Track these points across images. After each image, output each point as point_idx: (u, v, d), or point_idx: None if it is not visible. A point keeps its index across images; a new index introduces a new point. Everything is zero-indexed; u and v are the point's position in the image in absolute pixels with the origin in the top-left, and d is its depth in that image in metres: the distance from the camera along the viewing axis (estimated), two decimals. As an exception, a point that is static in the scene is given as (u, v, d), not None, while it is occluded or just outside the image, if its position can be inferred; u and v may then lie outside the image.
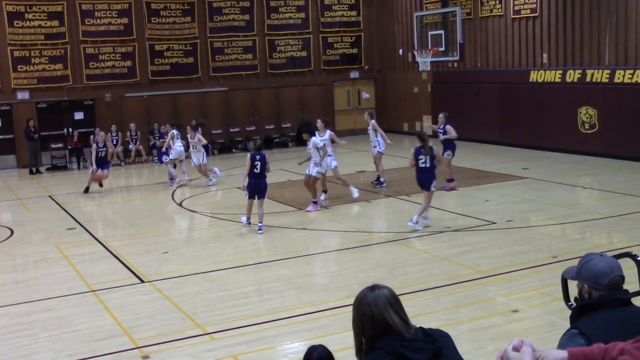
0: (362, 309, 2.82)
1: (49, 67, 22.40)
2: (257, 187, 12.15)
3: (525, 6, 20.55)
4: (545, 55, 20.15)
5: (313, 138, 13.79)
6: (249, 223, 12.41)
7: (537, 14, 20.23)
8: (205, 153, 17.56)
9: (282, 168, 19.74)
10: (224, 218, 13.78)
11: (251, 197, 12.21)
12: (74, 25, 22.57)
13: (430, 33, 21.26)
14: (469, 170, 17.48)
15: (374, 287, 2.88)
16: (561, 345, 2.93)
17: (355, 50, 26.53)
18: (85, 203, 16.45)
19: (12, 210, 15.75)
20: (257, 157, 12.12)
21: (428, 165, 11.59)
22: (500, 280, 8.99)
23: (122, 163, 22.30)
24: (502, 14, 21.46)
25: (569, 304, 3.25)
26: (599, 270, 3.07)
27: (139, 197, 17.14)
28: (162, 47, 23.66)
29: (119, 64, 23.19)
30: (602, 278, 3.05)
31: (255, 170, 12.07)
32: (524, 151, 20.01)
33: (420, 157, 11.61)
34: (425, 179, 11.64)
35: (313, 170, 13.79)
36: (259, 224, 12.17)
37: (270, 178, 17.26)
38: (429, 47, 20.88)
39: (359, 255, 10.70)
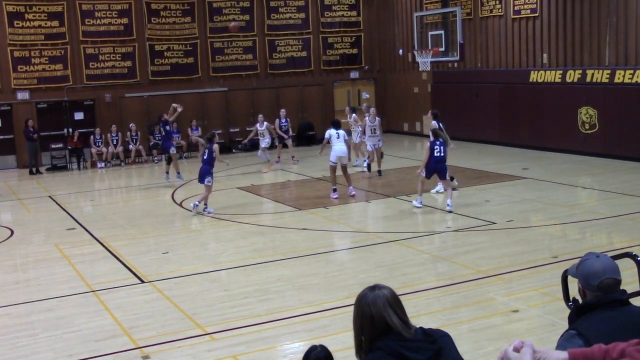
0: (362, 308, 2.84)
1: (49, 67, 22.40)
2: (199, 172, 14.18)
3: (525, 6, 20.55)
4: (545, 56, 20.15)
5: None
6: (199, 206, 13.95)
7: (537, 14, 20.23)
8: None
9: (282, 168, 19.76)
10: (224, 218, 13.78)
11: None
12: (74, 26, 22.57)
13: (430, 33, 21.27)
14: (469, 170, 17.48)
15: (374, 287, 2.89)
16: (559, 346, 2.93)
17: (355, 51, 26.53)
18: (85, 203, 16.46)
19: (12, 210, 15.75)
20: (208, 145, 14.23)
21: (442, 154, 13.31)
22: (500, 280, 8.99)
23: (122, 163, 22.31)
24: (502, 14, 21.46)
25: (569, 304, 3.25)
26: (591, 271, 3.09)
27: (139, 197, 17.14)
28: (162, 47, 23.66)
29: (119, 64, 23.19)
30: (593, 279, 3.07)
31: (203, 156, 14.26)
32: (524, 151, 20.02)
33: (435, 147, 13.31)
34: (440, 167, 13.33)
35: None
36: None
37: (271, 178, 17.37)
38: (429, 47, 20.89)
39: (359, 255, 10.70)
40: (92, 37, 22.81)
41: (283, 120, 21.16)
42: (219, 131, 24.05)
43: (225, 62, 24.50)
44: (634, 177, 15.68)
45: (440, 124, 14.86)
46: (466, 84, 22.93)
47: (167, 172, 17.69)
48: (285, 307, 8.31)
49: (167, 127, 17.86)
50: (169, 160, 17.79)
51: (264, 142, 20.02)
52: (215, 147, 14.07)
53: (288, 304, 8.43)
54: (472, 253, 10.26)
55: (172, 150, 17.53)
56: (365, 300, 2.84)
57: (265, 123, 20.13)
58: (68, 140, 22.18)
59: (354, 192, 14.89)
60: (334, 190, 14.81)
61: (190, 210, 14.00)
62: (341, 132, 14.83)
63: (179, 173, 17.65)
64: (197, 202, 13.87)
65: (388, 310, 2.78)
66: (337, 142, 14.70)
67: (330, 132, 14.86)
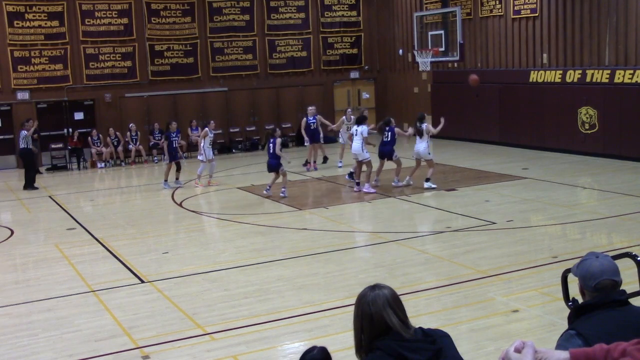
0: (362, 307, 2.84)
1: (49, 67, 22.39)
2: (267, 164, 15.15)
3: (525, 6, 20.55)
4: (545, 55, 20.15)
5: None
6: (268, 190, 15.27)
7: (537, 14, 20.23)
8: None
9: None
10: (224, 218, 13.78)
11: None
12: (74, 25, 22.56)
13: (430, 33, 21.26)
14: (469, 170, 17.48)
15: (375, 287, 2.89)
16: (559, 347, 2.94)
17: (355, 51, 26.53)
18: (85, 203, 16.46)
19: (12, 210, 15.75)
20: (271, 140, 15.00)
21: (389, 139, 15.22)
22: (500, 280, 8.99)
23: (122, 163, 22.31)
24: (502, 14, 21.46)
25: (569, 304, 3.26)
26: (589, 272, 3.09)
27: (139, 197, 17.14)
28: (162, 47, 23.65)
29: (119, 64, 23.19)
30: (590, 280, 3.08)
31: (269, 150, 14.95)
32: (524, 151, 20.02)
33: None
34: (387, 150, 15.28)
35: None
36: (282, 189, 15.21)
37: (270, 178, 17.37)
38: (429, 47, 20.88)
39: (359, 255, 10.70)
40: (92, 37, 22.80)
41: (311, 118, 19.31)
42: (219, 131, 24.09)
43: (225, 62, 24.49)
44: (634, 177, 15.68)
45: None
46: (466, 84, 22.88)
47: (177, 179, 17.38)
48: (285, 307, 8.31)
49: (173, 137, 17.38)
50: (178, 167, 17.36)
51: (209, 151, 17.30)
52: (278, 141, 14.79)
53: (288, 304, 8.43)
54: (472, 253, 10.26)
55: (166, 160, 17.27)
56: (365, 300, 2.84)
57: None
58: (68, 140, 22.19)
59: (357, 189, 15.29)
60: (366, 184, 15.23)
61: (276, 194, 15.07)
62: (359, 128, 15.29)
63: (166, 181, 17.25)
64: (283, 189, 15.07)
65: (387, 310, 2.78)
66: (354, 139, 15.40)
67: (353, 129, 15.63)
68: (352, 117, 19.45)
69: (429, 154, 15.23)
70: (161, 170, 20.75)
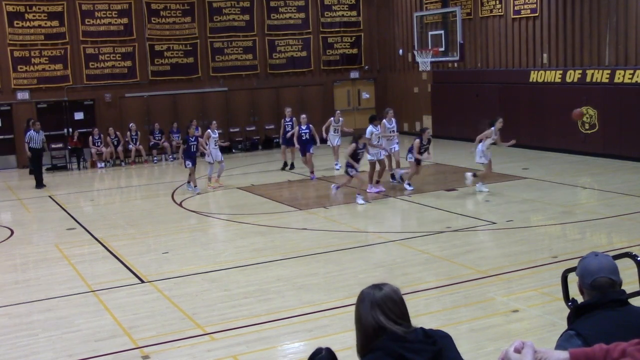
0: (356, 306, 2.85)
1: (49, 67, 22.40)
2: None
3: (525, 6, 20.55)
4: (545, 55, 20.15)
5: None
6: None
7: (537, 14, 20.23)
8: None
9: (281, 168, 19.71)
10: (224, 218, 13.78)
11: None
12: (74, 25, 22.57)
13: (430, 33, 21.25)
14: (469, 171, 17.44)
15: (373, 287, 2.88)
16: (559, 347, 2.93)
17: (355, 51, 26.52)
18: (85, 203, 16.46)
19: (12, 210, 15.75)
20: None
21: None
22: (500, 280, 8.99)
23: (122, 163, 22.31)
24: (502, 14, 21.45)
25: (569, 304, 3.26)
26: (587, 269, 3.10)
27: (139, 197, 17.13)
28: (162, 47, 23.65)
29: (119, 64, 23.19)
30: (587, 277, 3.09)
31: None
32: (524, 151, 20.00)
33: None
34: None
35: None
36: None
37: (270, 178, 17.42)
38: (429, 47, 20.88)
39: (359, 255, 10.70)
40: (92, 37, 22.80)
41: (304, 127, 18.14)
42: (220, 131, 24.07)
43: (225, 62, 24.49)
44: (634, 177, 15.68)
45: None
46: (466, 84, 22.92)
47: (189, 182, 16.77)
48: (285, 307, 8.31)
49: (192, 142, 16.81)
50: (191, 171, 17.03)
51: (216, 152, 17.12)
52: (351, 146, 14.42)
53: (288, 304, 8.43)
54: (472, 253, 10.26)
55: (189, 165, 16.60)
56: (358, 299, 2.85)
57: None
58: (68, 140, 22.19)
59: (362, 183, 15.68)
60: (369, 185, 15.31)
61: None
62: (367, 129, 15.51)
63: (195, 186, 16.68)
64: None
65: (374, 311, 2.76)
66: None
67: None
68: (340, 118, 19.43)
69: (480, 157, 15.00)
70: (161, 170, 20.79)
